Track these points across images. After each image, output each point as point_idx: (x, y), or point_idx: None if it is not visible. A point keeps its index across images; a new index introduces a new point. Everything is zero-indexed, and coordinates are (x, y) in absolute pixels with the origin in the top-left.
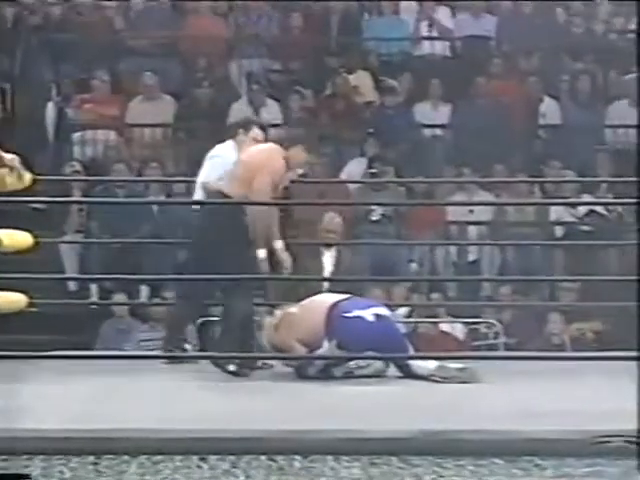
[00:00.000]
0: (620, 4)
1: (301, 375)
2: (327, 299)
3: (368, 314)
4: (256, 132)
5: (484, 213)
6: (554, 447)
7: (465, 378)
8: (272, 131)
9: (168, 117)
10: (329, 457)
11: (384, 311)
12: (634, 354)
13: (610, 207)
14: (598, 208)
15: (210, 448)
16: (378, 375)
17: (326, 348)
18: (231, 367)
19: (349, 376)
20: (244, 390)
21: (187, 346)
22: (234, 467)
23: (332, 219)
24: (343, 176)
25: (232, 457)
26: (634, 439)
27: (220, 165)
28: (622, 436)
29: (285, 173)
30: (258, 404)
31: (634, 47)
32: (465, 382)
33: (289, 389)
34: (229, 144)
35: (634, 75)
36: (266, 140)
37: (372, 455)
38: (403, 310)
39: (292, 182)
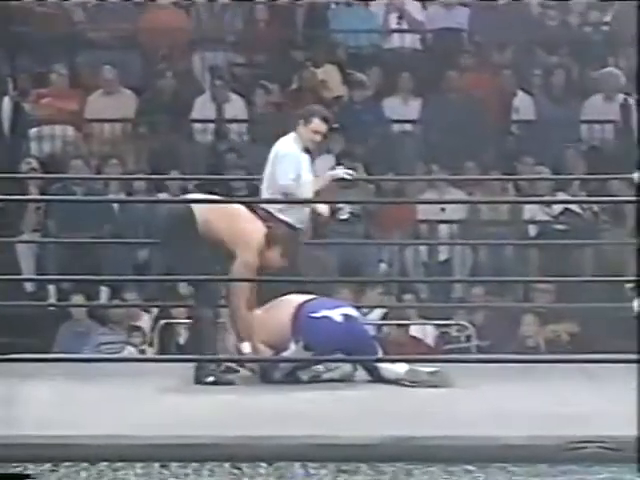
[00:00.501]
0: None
1: (266, 379)
2: (293, 299)
3: (336, 314)
4: (317, 123)
5: (455, 212)
6: (527, 453)
7: (436, 382)
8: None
9: (128, 112)
10: (296, 463)
11: (352, 312)
12: (634, 356)
13: (585, 205)
14: (573, 207)
15: (172, 455)
16: (346, 379)
17: (292, 350)
18: (210, 379)
19: (316, 380)
20: (207, 395)
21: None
22: (197, 474)
23: None
24: None
25: (195, 464)
26: (609, 445)
27: (292, 164)
28: (597, 442)
29: None
30: (222, 409)
31: (609, 40)
32: (436, 386)
33: (254, 393)
34: (291, 137)
35: (609, 69)
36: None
37: (340, 461)
38: (377, 313)
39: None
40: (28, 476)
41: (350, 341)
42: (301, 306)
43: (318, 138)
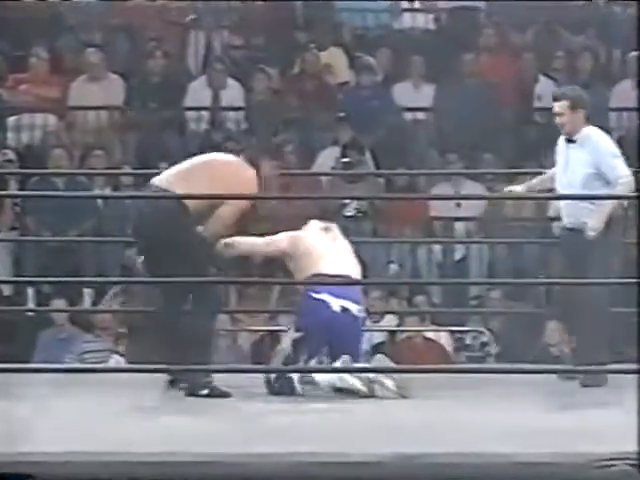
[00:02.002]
0: None
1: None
2: (316, 263)
3: (336, 303)
4: None
5: (472, 207)
6: (552, 470)
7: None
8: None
9: (115, 99)
10: None
11: (354, 308)
12: (634, 366)
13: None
14: None
15: (159, 473)
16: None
17: (287, 345)
18: (204, 391)
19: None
20: (189, 409)
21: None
22: None
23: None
24: (314, 166)
25: None
26: (637, 462)
27: None
28: (623, 459)
29: None
30: (203, 424)
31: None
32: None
33: (235, 409)
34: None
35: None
36: None
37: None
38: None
39: None
40: (29, 476)
41: (337, 335)
42: (313, 276)
43: None
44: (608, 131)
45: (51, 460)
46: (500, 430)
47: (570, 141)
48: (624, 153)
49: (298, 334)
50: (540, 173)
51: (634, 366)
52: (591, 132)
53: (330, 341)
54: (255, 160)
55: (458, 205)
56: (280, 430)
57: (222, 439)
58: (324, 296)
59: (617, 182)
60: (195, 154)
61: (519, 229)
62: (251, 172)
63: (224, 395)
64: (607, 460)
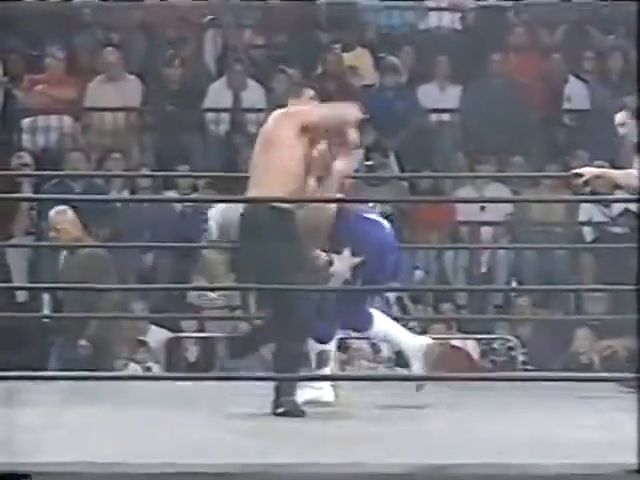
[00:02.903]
0: None
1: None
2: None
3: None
4: None
5: (499, 212)
6: None
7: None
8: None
9: (133, 100)
10: None
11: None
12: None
13: None
14: (633, 207)
15: None
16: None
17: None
18: (280, 410)
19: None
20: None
21: None
22: None
23: None
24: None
25: None
26: None
27: None
28: None
29: None
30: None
31: None
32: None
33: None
34: None
35: None
36: None
37: None
38: None
39: None
40: (28, 476)
41: (388, 259)
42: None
43: None
44: None
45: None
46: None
47: None
48: None
49: (357, 259)
50: (567, 176)
51: None
52: None
53: (383, 264)
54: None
55: (482, 209)
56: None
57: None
58: (374, 216)
59: None
60: (215, 157)
61: (547, 234)
62: None
63: (301, 414)
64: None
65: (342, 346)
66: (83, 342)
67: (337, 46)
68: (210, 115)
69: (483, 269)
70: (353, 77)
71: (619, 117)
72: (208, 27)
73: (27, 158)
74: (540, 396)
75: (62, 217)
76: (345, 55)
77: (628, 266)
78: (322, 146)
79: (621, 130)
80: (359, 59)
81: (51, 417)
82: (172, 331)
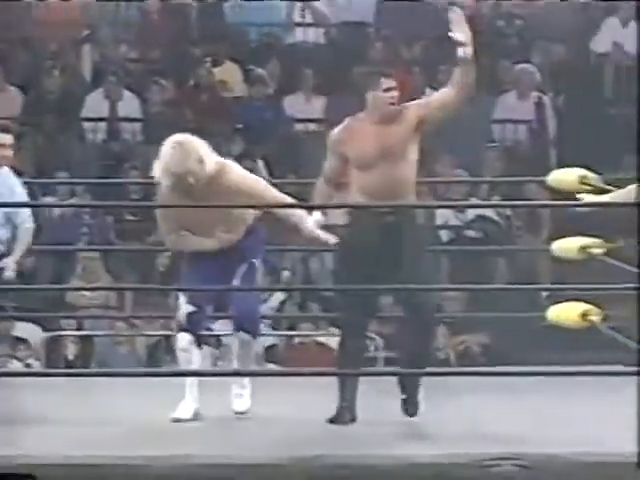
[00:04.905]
0: None
1: None
2: None
3: None
4: None
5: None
6: (441, 471)
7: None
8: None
9: (14, 110)
10: None
11: None
12: (634, 369)
13: (500, 211)
14: (487, 212)
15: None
16: None
17: None
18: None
19: None
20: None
21: None
22: None
23: None
24: None
25: None
26: (522, 462)
27: None
28: (512, 459)
29: None
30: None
31: (523, 35)
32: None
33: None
34: None
35: (523, 65)
36: None
37: None
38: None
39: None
40: (30, 476)
41: None
42: None
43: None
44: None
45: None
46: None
47: None
48: (510, 164)
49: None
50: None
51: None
52: None
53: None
54: None
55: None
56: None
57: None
58: None
59: None
60: (93, 164)
61: None
62: None
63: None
64: (495, 460)
65: (216, 342)
66: None
67: (208, 60)
68: (88, 124)
69: None
70: (223, 90)
71: None
72: (85, 41)
73: None
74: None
75: None
76: (216, 70)
77: (480, 267)
78: None
79: None
80: (229, 72)
81: None
82: (51, 330)
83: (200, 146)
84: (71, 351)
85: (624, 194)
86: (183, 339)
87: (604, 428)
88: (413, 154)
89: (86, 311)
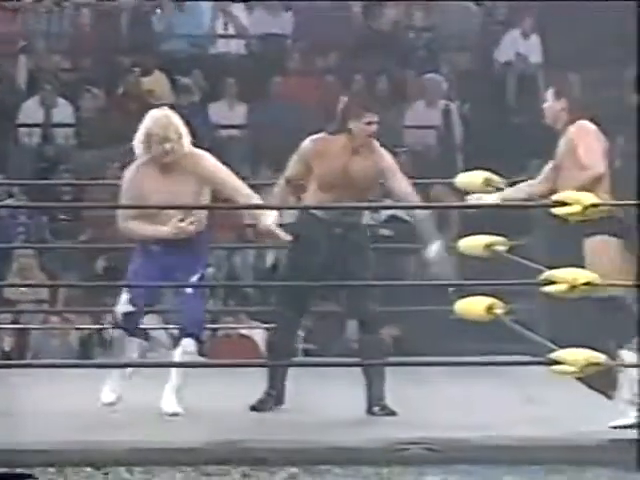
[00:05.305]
0: (416, 2)
1: None
2: None
3: None
4: None
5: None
6: (354, 455)
7: None
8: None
9: None
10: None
11: None
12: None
13: (411, 212)
14: (399, 212)
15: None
16: None
17: None
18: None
19: None
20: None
21: None
22: None
23: None
24: None
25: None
26: (431, 446)
27: None
28: (422, 444)
29: None
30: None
31: (432, 46)
32: None
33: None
34: None
35: (431, 75)
36: None
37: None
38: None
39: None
40: (30, 476)
41: None
42: None
43: None
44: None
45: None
46: None
47: None
48: (420, 167)
49: None
50: None
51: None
52: None
53: None
54: None
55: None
56: None
57: None
58: None
59: None
60: (27, 166)
61: None
62: None
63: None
64: (405, 444)
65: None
66: None
67: (137, 69)
68: (23, 129)
69: (268, 265)
70: (151, 98)
71: None
72: (21, 52)
73: None
74: (324, 378)
75: None
76: (146, 79)
77: (392, 264)
78: None
79: None
80: (157, 81)
81: None
82: None
83: (180, 124)
84: (7, 343)
85: (513, 192)
86: (120, 334)
87: (506, 414)
88: (374, 188)
89: (22, 306)
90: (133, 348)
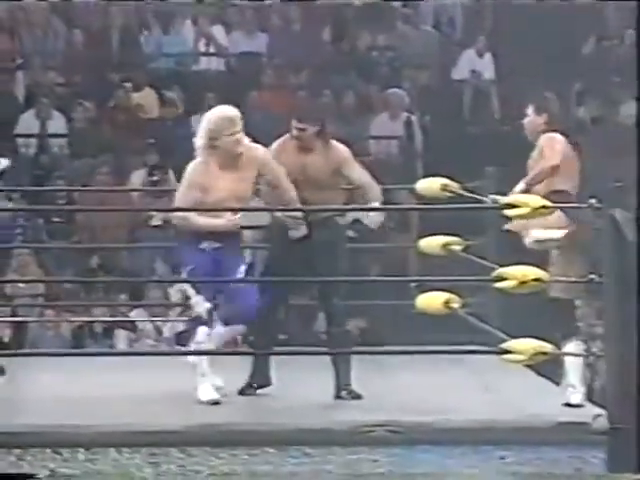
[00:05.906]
0: (382, 26)
1: None
2: None
3: None
4: None
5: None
6: (323, 437)
7: None
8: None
9: None
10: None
11: None
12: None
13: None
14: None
15: None
16: None
17: None
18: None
19: None
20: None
21: None
22: (20, 460)
23: None
24: (127, 185)
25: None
26: (395, 428)
27: None
28: (385, 425)
29: None
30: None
31: (394, 64)
32: None
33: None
34: None
35: (394, 90)
36: None
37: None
38: None
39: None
40: (31, 476)
41: None
42: None
43: None
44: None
45: None
46: None
47: None
48: (383, 174)
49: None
50: None
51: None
52: None
53: None
54: None
55: None
56: None
57: None
58: None
59: None
60: (25, 174)
61: None
62: None
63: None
64: (371, 426)
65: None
66: None
67: (127, 85)
68: (21, 140)
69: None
70: (140, 112)
71: None
72: (19, 68)
73: None
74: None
75: None
76: (136, 95)
77: (357, 262)
78: None
79: None
80: (146, 96)
81: None
82: None
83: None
84: (6, 334)
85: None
86: (202, 332)
87: (463, 399)
88: (336, 182)
89: (20, 300)
90: (212, 339)
